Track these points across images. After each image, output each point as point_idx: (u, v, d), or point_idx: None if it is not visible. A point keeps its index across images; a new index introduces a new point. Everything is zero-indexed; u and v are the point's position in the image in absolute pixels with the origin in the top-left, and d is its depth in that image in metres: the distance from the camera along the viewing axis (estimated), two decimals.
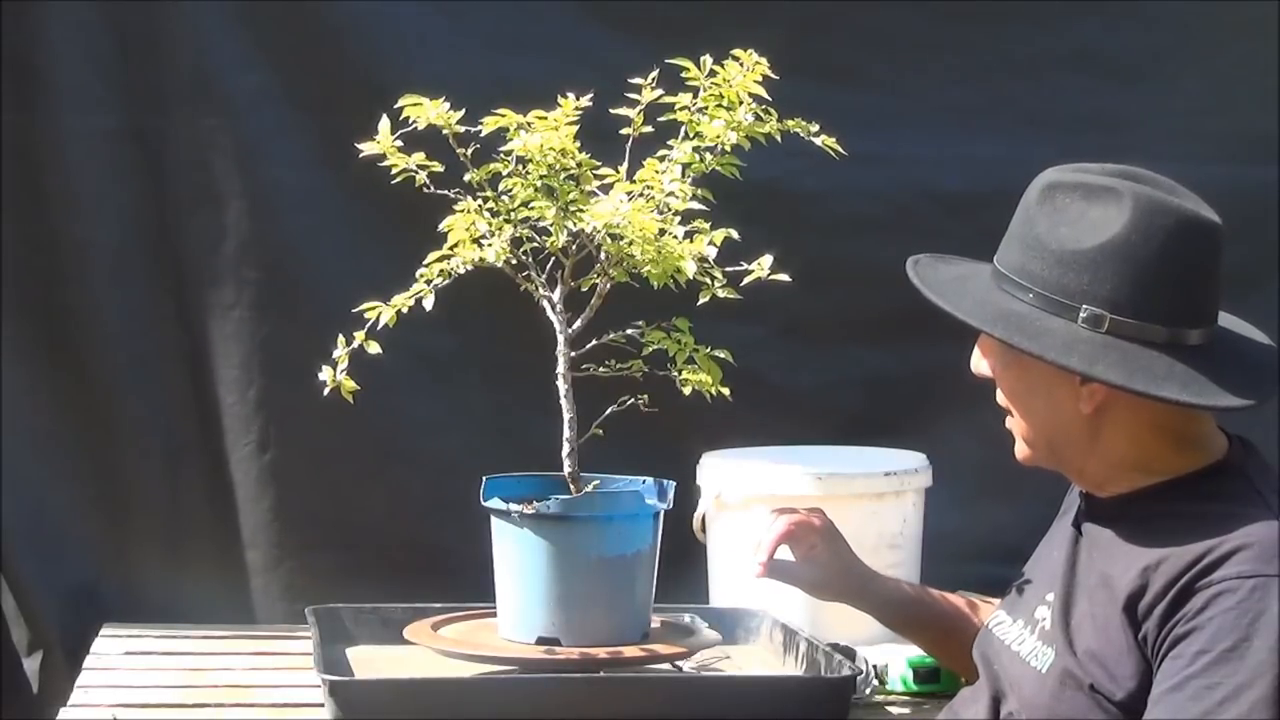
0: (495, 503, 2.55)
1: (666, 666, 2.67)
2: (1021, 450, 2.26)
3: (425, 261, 2.48)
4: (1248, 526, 2.04)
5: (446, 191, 2.51)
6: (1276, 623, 1.97)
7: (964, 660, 2.54)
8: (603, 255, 2.51)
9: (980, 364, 2.25)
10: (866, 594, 2.62)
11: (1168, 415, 2.13)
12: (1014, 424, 2.25)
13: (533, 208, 2.49)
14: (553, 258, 2.54)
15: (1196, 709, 1.97)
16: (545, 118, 2.47)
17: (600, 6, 3.48)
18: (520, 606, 2.55)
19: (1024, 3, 3.59)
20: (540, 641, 2.53)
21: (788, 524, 2.58)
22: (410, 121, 2.48)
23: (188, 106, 3.41)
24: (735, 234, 2.47)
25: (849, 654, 2.70)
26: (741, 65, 2.49)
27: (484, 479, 2.58)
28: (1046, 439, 2.21)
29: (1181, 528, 2.07)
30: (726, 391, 2.51)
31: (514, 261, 2.53)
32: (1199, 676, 1.98)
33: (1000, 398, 2.26)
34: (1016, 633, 2.27)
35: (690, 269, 2.42)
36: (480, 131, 2.46)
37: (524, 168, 2.49)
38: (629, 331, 2.54)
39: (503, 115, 2.47)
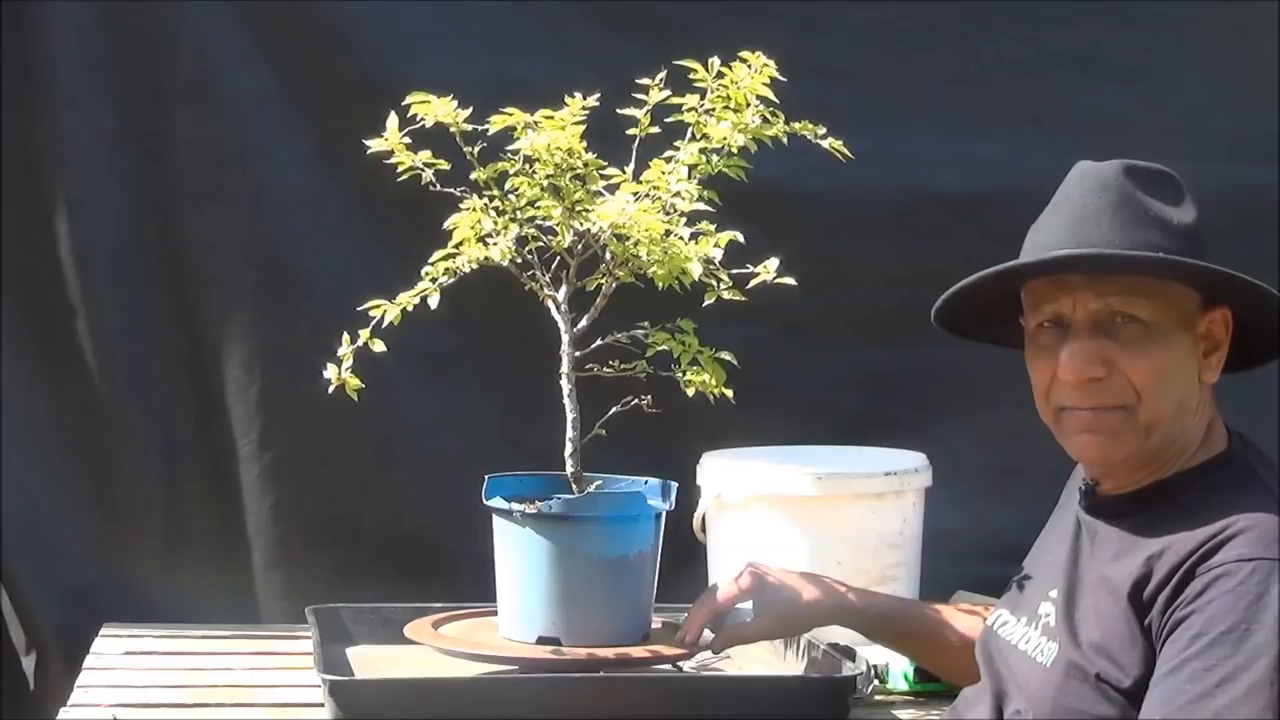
0: (497, 502, 2.55)
1: (667, 667, 2.67)
2: (1127, 446, 2.18)
3: (431, 260, 2.48)
4: (1250, 512, 2.05)
5: (452, 190, 2.51)
6: (1275, 606, 1.97)
7: (956, 669, 2.54)
8: (608, 255, 2.51)
9: (1092, 366, 2.15)
10: (838, 617, 2.62)
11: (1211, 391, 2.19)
12: (1142, 411, 2.16)
13: (539, 207, 2.49)
14: (558, 257, 2.54)
15: (1193, 690, 1.97)
16: (552, 117, 2.46)
17: (601, 6, 3.48)
18: (521, 606, 2.55)
19: (1024, 3, 3.59)
20: (541, 641, 2.53)
21: (708, 608, 2.59)
22: (416, 120, 2.47)
23: (188, 107, 3.41)
24: (741, 237, 2.46)
25: (849, 654, 2.70)
26: (749, 67, 2.49)
27: (486, 478, 2.58)
28: (1172, 419, 2.17)
29: (1185, 517, 2.09)
30: (730, 394, 2.51)
31: (519, 261, 2.52)
32: (1196, 658, 1.99)
33: (1116, 393, 2.16)
34: (1021, 630, 2.27)
35: (696, 271, 2.42)
36: (487, 130, 2.46)
37: (530, 167, 2.49)
38: (633, 332, 2.54)
39: (510, 114, 2.46)
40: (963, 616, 2.60)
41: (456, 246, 2.48)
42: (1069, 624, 2.16)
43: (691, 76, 2.48)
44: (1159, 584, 2.06)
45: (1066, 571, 2.21)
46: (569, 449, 2.56)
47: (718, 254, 2.43)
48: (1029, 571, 2.36)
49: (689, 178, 2.47)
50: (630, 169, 2.51)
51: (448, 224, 2.49)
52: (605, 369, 2.56)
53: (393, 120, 2.48)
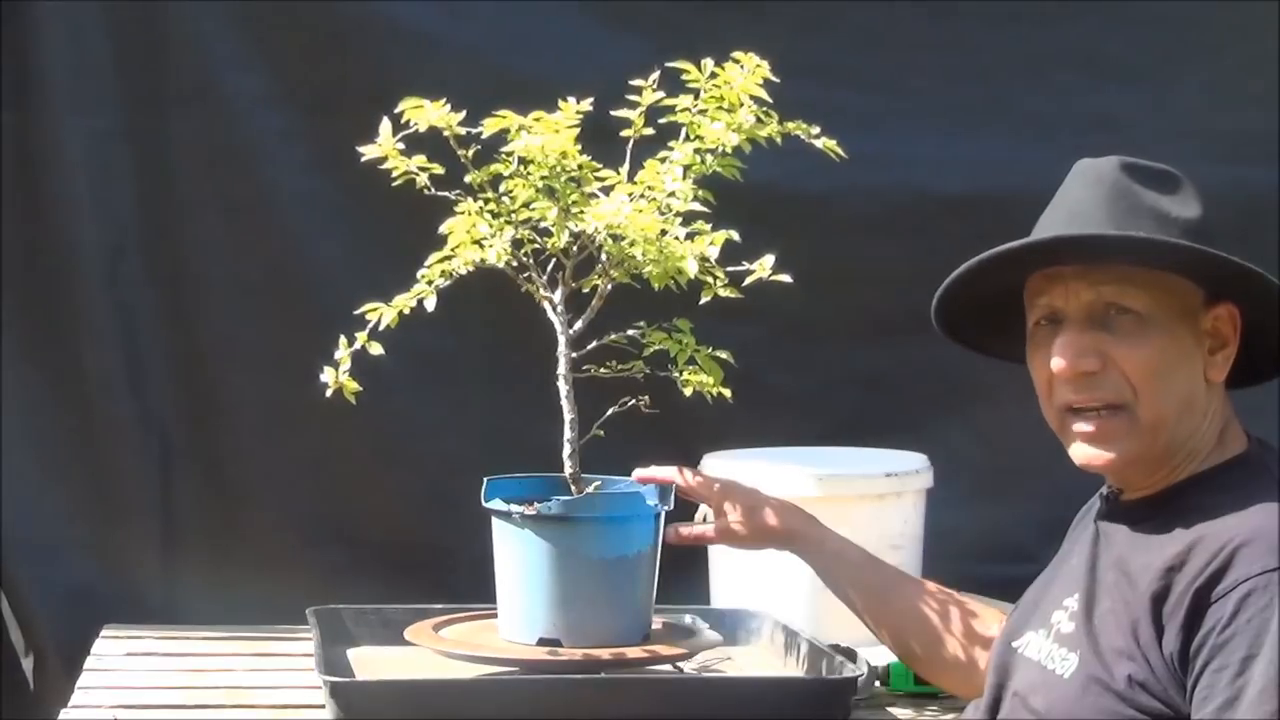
0: (496, 504, 2.55)
1: (668, 668, 2.66)
2: (1132, 449, 2.14)
3: (427, 263, 2.48)
4: (1258, 510, 2.01)
5: (448, 193, 2.50)
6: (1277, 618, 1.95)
7: (896, 633, 2.53)
8: (604, 256, 2.51)
9: (1085, 358, 2.12)
10: (800, 537, 2.59)
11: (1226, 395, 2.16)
12: (1142, 410, 2.13)
13: (534, 209, 2.49)
14: (554, 259, 2.54)
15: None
16: (543, 118, 2.46)
17: (600, 6, 3.48)
18: (522, 607, 2.54)
19: (1024, 3, 3.59)
20: (542, 642, 2.52)
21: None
22: (411, 124, 2.47)
23: (187, 108, 3.41)
24: (736, 236, 2.46)
25: (850, 655, 2.69)
26: (742, 68, 2.48)
27: (485, 480, 2.57)
28: (1177, 419, 2.13)
29: (1197, 521, 2.05)
30: (728, 393, 2.50)
31: (515, 263, 2.52)
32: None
33: (1113, 389, 2.13)
34: (1038, 643, 2.22)
35: (692, 269, 2.41)
36: (481, 133, 2.46)
37: (525, 169, 2.48)
38: (630, 332, 2.54)
39: (504, 117, 2.46)
40: (928, 593, 2.55)
41: (453, 249, 2.48)
42: (1088, 629, 2.11)
43: (684, 77, 2.48)
44: (1175, 602, 2.01)
45: (1084, 578, 2.17)
46: (567, 450, 2.55)
47: (714, 252, 2.43)
48: (1041, 588, 2.31)
49: (684, 178, 2.47)
50: (625, 170, 2.51)
51: (443, 228, 2.49)
52: (602, 370, 2.56)
53: (386, 126, 2.48)
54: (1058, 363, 2.14)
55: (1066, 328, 2.15)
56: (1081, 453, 2.17)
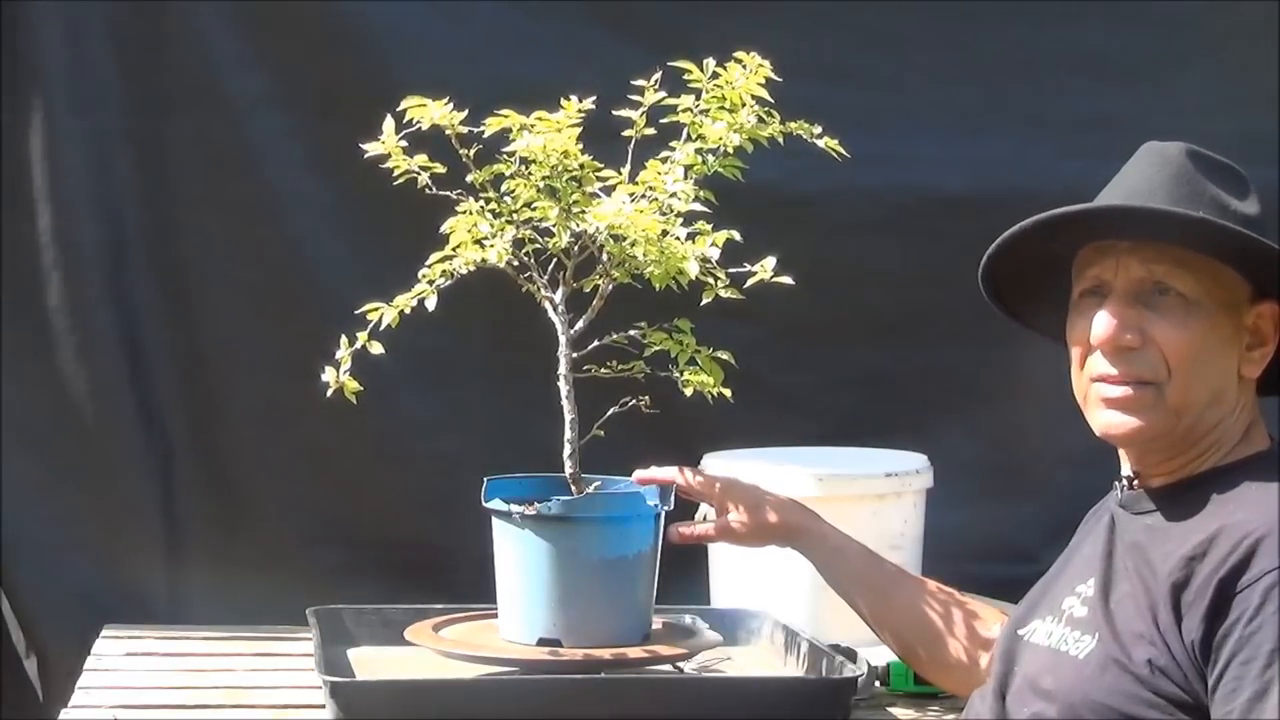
0: (496, 504, 2.55)
1: (668, 668, 2.67)
2: (1155, 425, 2.14)
3: (428, 262, 2.48)
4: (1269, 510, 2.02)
5: (449, 192, 2.51)
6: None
7: (898, 630, 2.53)
8: (605, 256, 2.51)
9: (1128, 332, 2.13)
10: (804, 532, 2.59)
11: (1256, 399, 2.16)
12: (1171, 391, 2.13)
13: (535, 209, 2.49)
14: (555, 259, 2.54)
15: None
16: (547, 119, 2.46)
17: (602, 8, 3.48)
18: (522, 607, 2.55)
19: (1024, 2, 3.59)
20: (542, 643, 2.53)
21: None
22: (414, 123, 2.47)
23: (188, 109, 3.41)
24: (738, 236, 2.46)
25: (850, 655, 2.69)
26: (744, 68, 2.49)
27: (485, 480, 2.58)
28: (1205, 406, 2.14)
29: (1216, 513, 2.06)
30: (728, 393, 2.50)
31: (516, 263, 2.52)
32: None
33: (1148, 367, 2.13)
34: (1046, 629, 2.22)
35: (693, 269, 2.42)
36: (483, 132, 2.46)
37: (527, 168, 2.49)
38: (630, 332, 2.54)
39: (505, 116, 2.46)
40: (929, 592, 2.55)
41: (454, 249, 2.48)
42: (1106, 612, 2.11)
43: (686, 77, 2.48)
44: (1196, 591, 2.01)
45: (1100, 564, 2.17)
46: (567, 450, 2.55)
47: (715, 253, 2.43)
48: (1050, 578, 2.31)
49: (685, 178, 2.47)
50: (626, 170, 2.51)
51: (444, 227, 2.49)
52: (603, 370, 2.56)
53: (389, 124, 2.48)
54: (1100, 331, 2.14)
55: (1111, 300, 2.15)
56: (1105, 419, 2.17)
